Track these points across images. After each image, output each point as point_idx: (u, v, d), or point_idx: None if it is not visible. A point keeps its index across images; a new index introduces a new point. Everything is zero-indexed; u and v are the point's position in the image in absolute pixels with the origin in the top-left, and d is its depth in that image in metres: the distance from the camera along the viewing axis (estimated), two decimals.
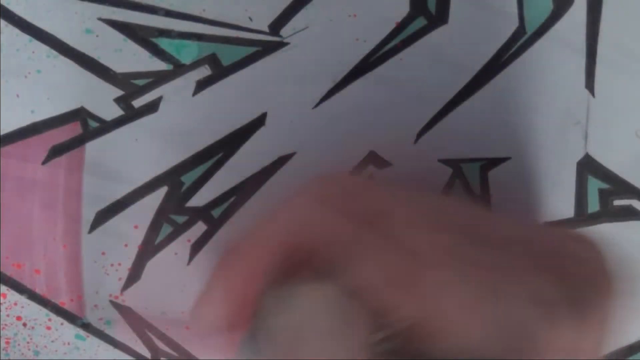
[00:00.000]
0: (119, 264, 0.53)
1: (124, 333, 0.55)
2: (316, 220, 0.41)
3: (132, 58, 0.49)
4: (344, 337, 0.37)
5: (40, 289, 0.53)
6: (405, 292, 0.37)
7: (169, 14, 0.49)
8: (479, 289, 0.37)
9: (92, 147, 0.51)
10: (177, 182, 0.51)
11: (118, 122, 0.50)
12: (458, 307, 0.36)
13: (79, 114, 0.50)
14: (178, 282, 0.54)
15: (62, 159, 0.50)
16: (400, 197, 0.42)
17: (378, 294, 0.37)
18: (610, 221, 0.54)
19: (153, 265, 0.53)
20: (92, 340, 0.55)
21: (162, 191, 0.52)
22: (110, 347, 0.55)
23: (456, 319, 0.36)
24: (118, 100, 0.50)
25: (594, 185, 0.53)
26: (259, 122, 0.51)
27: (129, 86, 0.49)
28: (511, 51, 0.51)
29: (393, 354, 0.36)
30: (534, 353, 0.36)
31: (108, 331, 0.55)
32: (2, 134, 0.49)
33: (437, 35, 0.51)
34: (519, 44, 0.51)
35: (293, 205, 0.43)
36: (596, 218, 0.54)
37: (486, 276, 0.37)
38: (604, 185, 0.53)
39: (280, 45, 0.50)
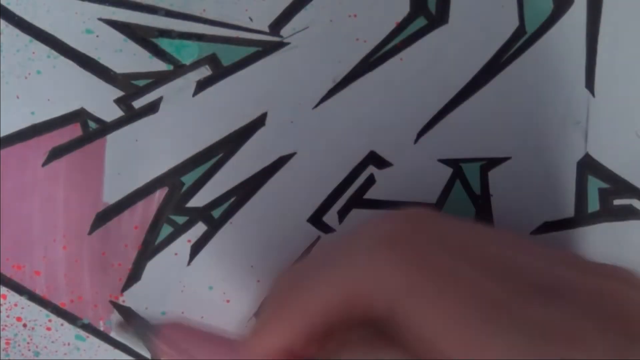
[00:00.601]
0: (119, 265, 0.53)
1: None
2: (396, 276, 0.37)
3: (132, 58, 0.49)
4: None
5: (40, 290, 0.53)
6: (461, 336, 0.35)
7: (169, 14, 0.49)
8: (535, 351, 0.34)
9: (91, 148, 0.51)
10: (177, 182, 0.51)
11: (118, 123, 0.50)
12: None
13: (79, 115, 0.50)
14: (178, 283, 0.54)
15: (62, 161, 0.51)
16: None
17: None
18: (610, 221, 0.54)
19: (153, 265, 0.53)
20: (92, 341, 0.55)
21: (162, 192, 0.52)
22: (110, 348, 0.55)
23: None
24: (118, 101, 0.50)
25: (594, 185, 0.53)
26: (259, 122, 0.51)
27: (129, 87, 0.49)
28: (511, 51, 0.51)
29: None
30: None
31: (108, 331, 0.55)
32: (2, 135, 0.49)
33: (437, 35, 0.51)
34: (519, 43, 0.51)
35: (354, 253, 0.39)
36: (596, 218, 0.54)
37: (548, 338, 0.34)
38: (604, 185, 0.53)
39: (281, 45, 0.50)
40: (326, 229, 0.54)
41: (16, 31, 0.48)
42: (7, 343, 0.54)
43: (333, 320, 0.38)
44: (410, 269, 0.36)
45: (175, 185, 0.51)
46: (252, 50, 0.50)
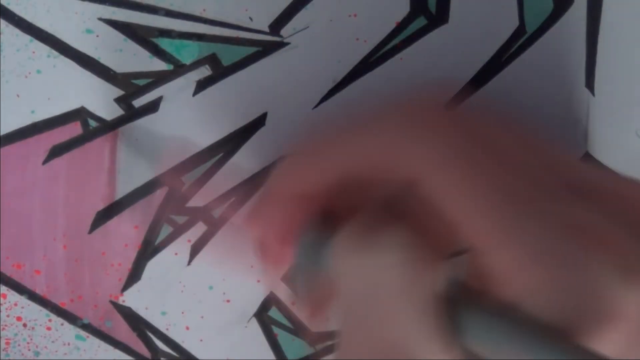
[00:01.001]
0: (119, 264, 0.53)
1: (124, 333, 0.55)
2: (401, 144, 0.38)
3: (132, 58, 0.49)
4: (411, 294, 0.35)
5: (40, 290, 0.53)
6: (485, 221, 0.35)
7: (169, 13, 0.49)
8: (561, 245, 0.34)
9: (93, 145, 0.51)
10: (177, 182, 0.51)
11: (118, 122, 0.50)
12: (536, 253, 0.34)
13: (80, 114, 0.50)
14: (178, 283, 0.54)
15: (62, 159, 0.51)
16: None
17: (455, 223, 0.35)
18: None
19: (153, 265, 0.53)
20: (92, 341, 0.55)
21: (162, 191, 0.52)
22: (111, 348, 0.55)
23: (530, 268, 0.35)
24: (118, 100, 0.50)
25: None
26: (259, 122, 0.51)
27: (129, 86, 0.49)
28: (511, 51, 0.51)
29: (459, 303, 0.35)
30: (604, 319, 0.34)
31: (108, 331, 0.55)
32: (2, 134, 0.49)
33: (437, 35, 0.51)
34: (519, 43, 0.51)
35: (372, 129, 0.40)
36: None
37: (575, 234, 0.34)
38: None
39: (281, 45, 0.50)
40: None
41: (16, 31, 0.48)
42: (7, 343, 0.54)
43: (356, 177, 0.39)
44: (447, 146, 0.37)
45: (175, 184, 0.51)
46: (252, 50, 0.50)
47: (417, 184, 0.37)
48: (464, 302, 0.35)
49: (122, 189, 0.52)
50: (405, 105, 0.40)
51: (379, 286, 0.36)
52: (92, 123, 0.50)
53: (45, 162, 0.50)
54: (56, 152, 0.50)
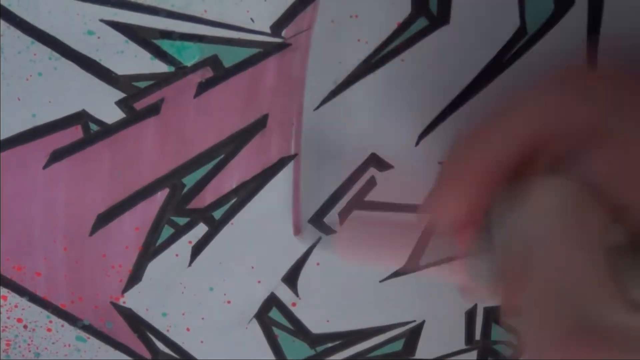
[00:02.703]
0: (120, 266, 0.53)
1: (124, 334, 0.55)
2: (562, 106, 0.39)
3: (133, 60, 0.49)
4: (580, 238, 0.36)
5: (41, 291, 0.53)
6: None
7: (170, 15, 0.48)
8: None
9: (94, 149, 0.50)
10: (178, 183, 0.51)
11: (119, 125, 0.50)
12: None
13: (80, 117, 0.49)
14: (179, 284, 0.54)
15: (63, 163, 0.50)
16: None
17: (618, 188, 0.36)
18: None
19: (154, 266, 0.53)
20: (93, 342, 0.55)
21: (163, 193, 0.52)
22: (111, 349, 0.55)
23: None
24: (120, 103, 0.49)
25: None
26: (260, 123, 0.51)
27: (131, 88, 0.49)
28: (512, 51, 0.51)
29: (628, 255, 0.36)
30: None
31: (109, 332, 0.55)
32: (2, 138, 0.49)
33: (438, 36, 0.51)
34: (520, 44, 0.51)
35: (537, 94, 0.41)
36: None
37: None
38: None
39: (282, 46, 0.50)
40: (327, 230, 0.54)
41: (17, 33, 0.48)
42: (8, 344, 0.54)
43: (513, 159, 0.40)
44: (618, 105, 0.38)
45: (176, 186, 0.51)
46: (253, 51, 0.50)
47: (591, 143, 0.37)
48: (631, 254, 0.35)
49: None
50: (577, 68, 0.42)
51: (551, 232, 0.37)
52: (93, 127, 0.50)
53: (45, 166, 0.50)
54: (57, 156, 0.50)
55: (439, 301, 0.57)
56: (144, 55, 0.49)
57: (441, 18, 0.50)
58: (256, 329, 0.56)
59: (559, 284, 0.36)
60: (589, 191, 0.36)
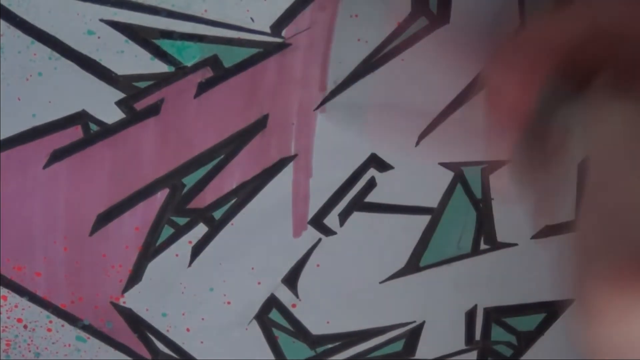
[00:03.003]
0: (120, 266, 0.53)
1: (124, 334, 0.55)
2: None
3: (133, 60, 0.49)
4: None
5: (41, 291, 0.53)
6: None
7: (170, 15, 0.48)
8: None
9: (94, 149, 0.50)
10: (178, 184, 0.51)
11: (120, 125, 0.50)
12: None
13: (81, 118, 0.49)
14: (179, 284, 0.54)
15: (63, 163, 0.50)
16: None
17: None
18: None
19: (154, 267, 0.53)
20: (93, 342, 0.55)
21: (163, 193, 0.52)
22: (111, 349, 0.55)
23: None
24: (120, 103, 0.49)
25: None
26: (260, 123, 0.51)
27: (131, 88, 0.49)
28: None
29: None
30: None
31: (109, 333, 0.55)
32: (2, 138, 0.49)
33: (438, 36, 0.51)
34: None
35: None
36: None
37: None
38: None
39: (282, 46, 0.50)
40: (327, 231, 0.54)
41: (17, 32, 0.48)
42: (8, 344, 0.54)
43: (607, 31, 0.39)
44: None
45: (176, 186, 0.51)
46: (253, 51, 0.50)
47: None
48: None
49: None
50: None
51: (614, 155, 0.36)
52: (93, 127, 0.50)
53: (45, 166, 0.50)
54: (57, 156, 0.50)
55: (439, 301, 0.57)
56: (144, 55, 0.49)
57: (441, 18, 0.50)
58: (256, 329, 0.56)
59: (620, 208, 0.36)
60: None
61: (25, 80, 0.48)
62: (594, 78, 0.39)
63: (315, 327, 0.57)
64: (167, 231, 0.53)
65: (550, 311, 0.58)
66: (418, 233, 0.55)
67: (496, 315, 0.58)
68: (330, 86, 0.51)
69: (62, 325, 0.54)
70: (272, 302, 0.55)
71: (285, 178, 0.52)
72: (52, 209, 0.51)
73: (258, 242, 0.53)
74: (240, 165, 0.51)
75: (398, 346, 0.59)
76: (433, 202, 0.54)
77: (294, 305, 0.56)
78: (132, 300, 0.54)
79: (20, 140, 0.49)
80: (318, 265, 0.55)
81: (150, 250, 0.53)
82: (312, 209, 0.53)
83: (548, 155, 0.43)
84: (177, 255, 0.53)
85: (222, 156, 0.51)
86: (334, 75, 0.51)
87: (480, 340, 0.59)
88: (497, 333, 0.59)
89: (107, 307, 0.54)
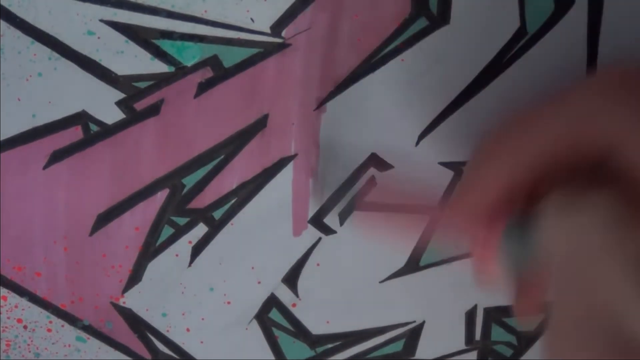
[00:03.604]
0: (120, 266, 0.53)
1: (124, 334, 0.55)
2: (616, 109, 0.38)
3: (133, 60, 0.49)
4: (620, 254, 0.35)
5: (41, 292, 0.53)
6: None
7: (170, 15, 0.48)
8: None
9: (94, 150, 0.50)
10: (178, 184, 0.51)
11: (119, 126, 0.50)
12: None
13: (80, 118, 0.49)
14: (179, 284, 0.54)
15: (63, 164, 0.50)
16: None
17: None
18: None
19: (154, 267, 0.53)
20: (93, 342, 0.55)
21: (163, 193, 0.52)
22: (111, 349, 0.55)
23: None
24: (120, 104, 0.49)
25: None
26: (260, 123, 0.51)
27: (131, 89, 0.49)
28: (512, 52, 0.51)
29: None
30: None
31: (109, 333, 0.55)
32: (2, 138, 0.49)
33: (438, 36, 0.51)
34: (520, 44, 0.51)
35: (587, 90, 0.40)
36: None
37: None
38: None
39: (282, 46, 0.50)
40: (327, 230, 0.54)
41: (17, 33, 0.48)
42: (8, 344, 0.54)
43: (553, 158, 0.40)
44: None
45: (176, 186, 0.51)
46: (253, 51, 0.50)
47: (620, 149, 0.37)
48: None
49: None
50: (605, 73, 0.40)
51: (587, 246, 0.36)
52: (93, 127, 0.50)
53: (45, 167, 0.50)
54: (57, 157, 0.50)
55: (439, 301, 0.57)
56: (144, 55, 0.49)
57: (441, 18, 0.50)
58: (256, 329, 0.56)
59: (595, 300, 0.36)
60: (632, 205, 0.36)
61: (25, 81, 0.48)
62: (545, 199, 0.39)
63: (315, 327, 0.57)
64: (167, 231, 0.53)
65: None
66: (418, 232, 0.55)
67: (496, 315, 0.58)
68: (330, 86, 0.51)
69: (62, 326, 0.54)
70: (272, 302, 0.55)
71: (285, 178, 0.52)
72: (52, 209, 0.51)
73: (258, 242, 0.53)
74: (240, 165, 0.51)
75: (398, 346, 0.59)
76: (433, 201, 0.54)
77: (294, 305, 0.56)
78: (132, 300, 0.54)
79: (20, 141, 0.49)
80: (318, 265, 0.55)
81: (150, 250, 0.53)
82: (312, 209, 0.53)
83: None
84: (177, 255, 0.53)
85: (222, 156, 0.51)
86: (334, 76, 0.51)
87: (480, 340, 0.59)
88: (497, 333, 0.59)
89: (107, 307, 0.54)
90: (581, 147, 0.39)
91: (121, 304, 0.54)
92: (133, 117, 0.50)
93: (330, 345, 0.58)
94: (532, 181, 0.41)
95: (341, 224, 0.54)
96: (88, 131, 0.50)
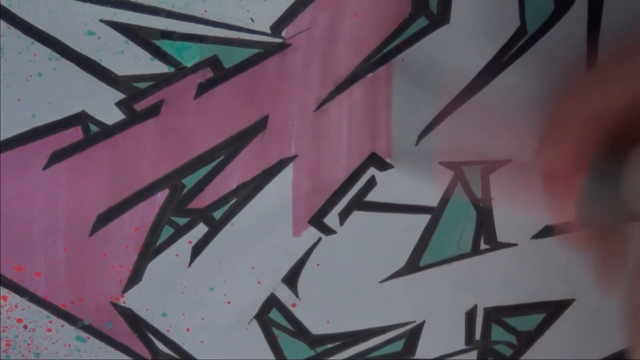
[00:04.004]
0: (120, 266, 0.53)
1: (124, 334, 0.55)
2: None
3: (133, 60, 0.49)
4: None
5: (41, 292, 0.53)
6: None
7: (170, 15, 0.48)
8: None
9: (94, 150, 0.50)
10: (178, 184, 0.51)
11: (119, 126, 0.50)
12: None
13: (80, 119, 0.49)
14: (179, 284, 0.54)
15: (63, 164, 0.50)
16: None
17: None
18: None
19: (154, 267, 0.53)
20: (93, 342, 0.55)
21: (163, 193, 0.52)
22: (111, 349, 0.55)
23: None
24: (120, 104, 0.49)
25: None
26: (260, 124, 0.51)
27: (131, 89, 0.49)
28: (512, 51, 0.51)
29: None
30: None
31: (109, 333, 0.55)
32: (2, 139, 0.49)
33: (438, 36, 0.51)
34: (520, 43, 0.51)
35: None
36: None
37: None
38: None
39: (283, 46, 0.50)
40: (327, 230, 0.54)
41: (17, 33, 0.48)
42: (8, 344, 0.54)
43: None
44: None
45: (176, 186, 0.51)
46: (253, 51, 0.50)
47: None
48: None
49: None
50: None
51: None
52: (93, 128, 0.50)
53: (45, 167, 0.50)
54: (57, 157, 0.50)
55: (439, 301, 0.57)
56: (144, 55, 0.49)
57: (441, 17, 0.50)
58: (256, 329, 0.56)
59: None
60: None
61: (25, 81, 0.48)
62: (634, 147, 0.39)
63: (315, 327, 0.57)
64: (167, 231, 0.53)
65: (550, 311, 0.58)
66: (418, 232, 0.55)
67: (496, 315, 0.58)
68: (331, 87, 0.51)
69: (62, 326, 0.54)
70: (272, 302, 0.55)
71: (285, 178, 0.52)
72: (52, 209, 0.51)
73: (258, 242, 0.53)
74: (240, 166, 0.52)
75: (398, 346, 0.59)
76: (433, 201, 0.54)
77: (294, 305, 0.56)
78: (132, 300, 0.54)
79: (20, 141, 0.49)
80: (318, 265, 0.55)
81: (150, 250, 0.53)
82: (312, 209, 0.53)
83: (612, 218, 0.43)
84: (177, 255, 0.53)
85: (222, 157, 0.51)
86: (334, 76, 0.51)
87: (480, 340, 0.59)
88: (497, 333, 0.59)
89: (107, 307, 0.54)
90: None
91: (121, 304, 0.54)
92: (133, 118, 0.50)
93: (330, 345, 0.58)
94: (620, 126, 0.41)
95: (341, 224, 0.54)
96: (88, 132, 0.50)
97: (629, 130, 0.40)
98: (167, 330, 0.55)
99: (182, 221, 0.52)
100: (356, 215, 0.54)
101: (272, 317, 0.56)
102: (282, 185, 0.52)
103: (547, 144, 0.44)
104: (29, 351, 0.55)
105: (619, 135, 0.41)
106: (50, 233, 0.52)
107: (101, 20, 0.48)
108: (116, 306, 0.54)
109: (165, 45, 0.49)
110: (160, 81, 0.49)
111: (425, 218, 0.54)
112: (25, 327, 0.54)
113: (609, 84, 0.41)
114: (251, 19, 0.49)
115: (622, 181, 0.39)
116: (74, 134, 0.50)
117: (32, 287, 0.53)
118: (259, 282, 0.55)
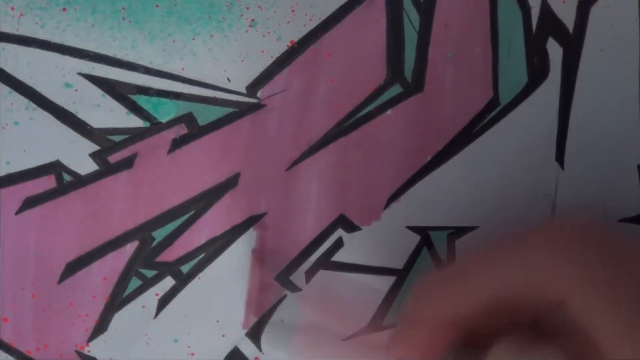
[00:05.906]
0: (87, 315, 0.53)
1: None
2: (552, 265, 0.39)
3: (109, 114, 0.50)
4: None
5: (7, 337, 0.53)
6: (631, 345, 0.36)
7: (148, 71, 0.49)
8: None
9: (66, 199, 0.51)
10: (148, 237, 0.52)
11: (92, 177, 0.50)
12: None
13: (54, 168, 0.50)
14: (144, 335, 0.54)
15: (35, 211, 0.51)
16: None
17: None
18: None
19: (120, 317, 0.53)
20: None
21: (132, 245, 0.52)
22: None
23: None
24: (94, 155, 0.50)
25: None
26: (231, 181, 0.51)
27: (105, 141, 0.50)
28: (484, 122, 0.52)
29: None
30: None
31: None
32: None
33: (412, 103, 0.51)
34: (492, 114, 0.52)
35: (527, 247, 0.40)
36: None
37: None
38: None
39: (257, 107, 0.50)
40: (293, 287, 0.54)
41: None
42: None
43: (505, 298, 0.40)
44: (586, 270, 0.38)
45: (145, 239, 0.52)
46: (228, 110, 0.50)
47: (565, 305, 0.38)
48: None
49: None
50: (554, 226, 0.42)
51: None
52: (67, 177, 0.50)
53: (18, 212, 0.51)
54: (29, 203, 0.50)
55: None
56: (120, 109, 0.50)
57: (415, 86, 0.51)
58: None
59: None
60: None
61: (1, 129, 0.49)
62: (494, 344, 0.40)
63: None
64: (135, 283, 0.53)
65: None
66: (382, 293, 0.55)
67: None
68: (303, 147, 0.51)
69: None
70: (235, 355, 0.55)
71: (253, 235, 0.52)
72: (22, 255, 0.51)
73: (224, 296, 0.54)
74: (210, 222, 0.52)
75: None
76: (399, 264, 0.54)
77: (256, 359, 0.56)
78: (97, 349, 0.54)
79: None
80: (282, 321, 0.55)
81: (117, 300, 0.53)
82: (279, 266, 0.53)
83: None
84: (143, 306, 0.53)
85: (192, 212, 0.52)
86: (307, 137, 0.51)
87: None
88: None
89: (72, 355, 0.54)
90: (526, 299, 0.39)
91: (86, 352, 0.54)
92: (106, 170, 0.51)
93: None
94: (474, 323, 0.41)
95: (307, 282, 0.54)
96: (61, 180, 0.50)
97: (484, 332, 0.41)
98: None
99: (150, 273, 0.53)
100: (322, 274, 0.54)
101: None
102: (250, 242, 0.53)
103: (398, 342, 0.44)
104: None
105: (474, 337, 0.41)
106: (19, 279, 0.52)
107: (79, 74, 0.49)
108: (81, 354, 0.54)
109: (141, 100, 0.50)
110: (135, 135, 0.50)
111: (390, 279, 0.54)
112: None
113: (464, 283, 0.41)
114: (228, 78, 0.50)
115: None
116: (48, 182, 0.50)
117: None
118: (223, 336, 0.55)
